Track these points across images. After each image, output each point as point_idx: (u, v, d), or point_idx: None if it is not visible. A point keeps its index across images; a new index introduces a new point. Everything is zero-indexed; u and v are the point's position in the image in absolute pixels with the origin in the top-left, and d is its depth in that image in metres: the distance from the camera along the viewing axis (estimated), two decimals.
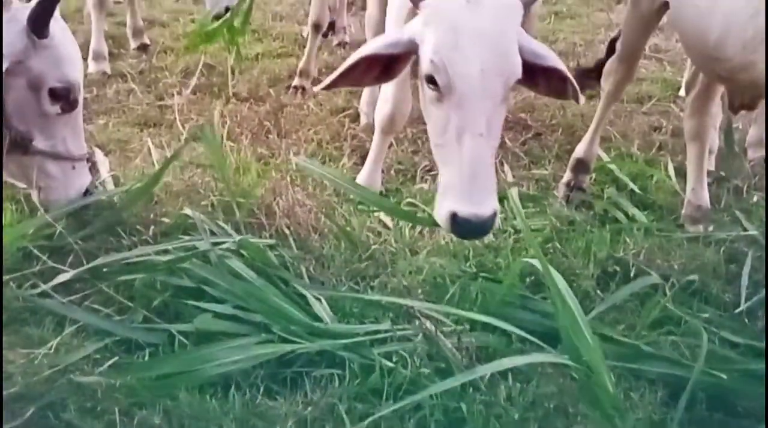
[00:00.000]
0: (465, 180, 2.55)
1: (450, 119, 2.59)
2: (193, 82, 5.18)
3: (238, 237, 3.06)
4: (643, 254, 3.38)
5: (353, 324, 2.81)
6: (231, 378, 2.60)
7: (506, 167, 4.28)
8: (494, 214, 2.56)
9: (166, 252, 3.03)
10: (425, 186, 4.09)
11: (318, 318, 2.78)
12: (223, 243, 3.02)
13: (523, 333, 2.65)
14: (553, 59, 2.75)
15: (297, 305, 2.82)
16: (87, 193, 3.25)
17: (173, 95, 5.04)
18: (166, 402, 2.50)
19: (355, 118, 4.87)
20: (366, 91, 4.85)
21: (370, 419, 2.41)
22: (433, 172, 4.25)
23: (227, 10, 4.77)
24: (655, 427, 2.52)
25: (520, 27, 2.67)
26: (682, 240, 3.66)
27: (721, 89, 3.66)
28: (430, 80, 2.61)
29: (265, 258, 3.01)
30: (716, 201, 4.07)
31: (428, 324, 2.75)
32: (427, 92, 2.66)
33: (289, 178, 3.54)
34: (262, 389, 2.59)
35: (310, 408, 2.50)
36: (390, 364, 2.65)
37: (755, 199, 4.18)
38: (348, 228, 3.40)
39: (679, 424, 2.52)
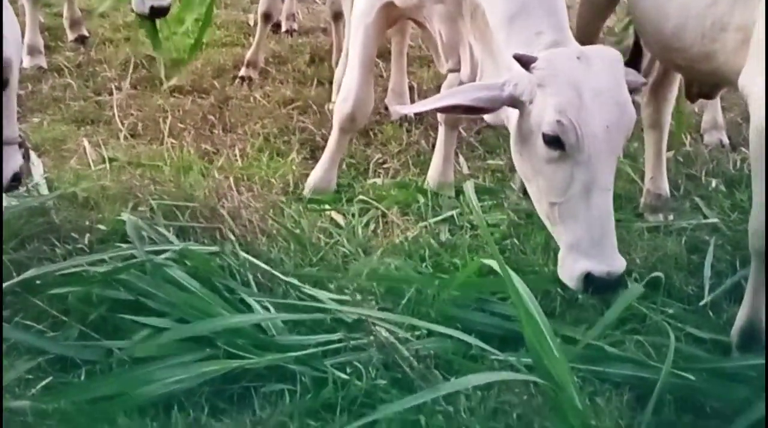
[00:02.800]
0: (596, 237, 2.57)
1: (574, 177, 2.59)
2: (129, 76, 4.94)
3: (179, 245, 2.88)
4: None
5: (304, 335, 2.66)
6: (173, 398, 2.43)
7: (461, 159, 4.15)
8: (624, 271, 2.59)
9: (102, 262, 2.84)
10: (378, 180, 3.94)
11: (266, 330, 2.62)
12: (163, 251, 2.84)
13: (481, 344, 2.52)
14: (639, 79, 2.89)
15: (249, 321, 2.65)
16: (16, 178, 2.96)
17: (112, 89, 4.80)
18: None
19: (304, 109, 4.69)
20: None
21: None
22: (386, 166, 4.12)
23: (152, 10, 4.45)
24: None
25: None
26: (642, 230, 3.57)
27: (679, 76, 3.56)
28: (553, 141, 2.57)
29: (208, 266, 2.83)
30: (675, 188, 3.99)
31: (384, 332, 2.60)
32: (540, 152, 2.63)
33: (233, 178, 3.36)
34: (207, 409, 2.42)
35: None
36: (344, 376, 2.51)
37: (714, 184, 4.11)
38: (297, 230, 3.23)
39: None
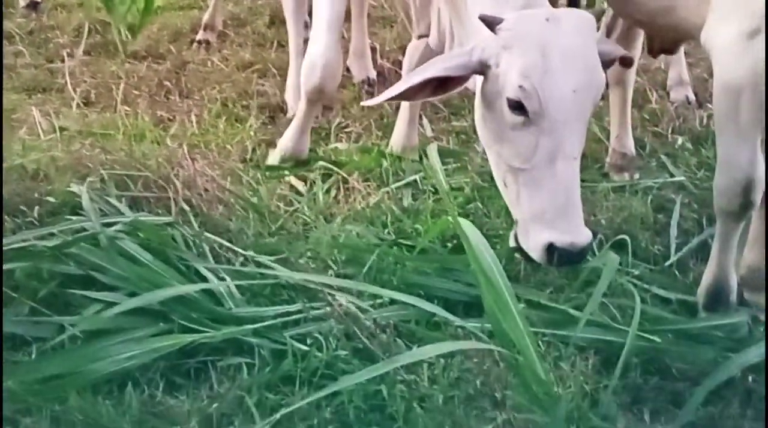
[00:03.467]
0: (559, 207, 2.45)
1: (539, 144, 2.46)
2: (83, 42, 4.78)
3: (130, 217, 2.78)
4: None
5: (263, 306, 2.58)
6: (127, 375, 2.36)
7: (425, 121, 4.06)
8: (590, 242, 2.49)
9: (51, 235, 2.74)
10: (340, 145, 3.84)
11: (222, 302, 2.54)
12: (115, 223, 2.74)
13: (443, 312, 2.46)
14: (616, 51, 2.80)
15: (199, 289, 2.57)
16: None
17: (64, 57, 4.65)
18: (54, 407, 2.25)
19: (264, 73, 4.58)
20: (291, 74, 4.30)
21: (283, 412, 2.19)
22: (348, 130, 4.03)
23: None
24: (587, 399, 2.36)
25: None
26: (608, 190, 3.53)
27: (642, 32, 3.49)
28: (517, 106, 2.45)
29: (162, 238, 2.74)
30: (641, 146, 3.95)
31: (344, 301, 2.53)
32: (506, 117, 2.51)
33: (187, 146, 3.25)
34: (162, 385, 2.35)
35: (216, 404, 2.27)
36: (304, 348, 2.44)
37: (680, 142, 4.08)
38: (255, 199, 3.14)
39: (614, 393, 2.38)
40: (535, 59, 2.43)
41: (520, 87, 2.43)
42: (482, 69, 2.56)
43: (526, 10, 2.60)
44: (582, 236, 2.45)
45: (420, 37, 3.49)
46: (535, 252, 2.47)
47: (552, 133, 2.44)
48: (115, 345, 2.39)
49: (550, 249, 2.43)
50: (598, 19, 2.63)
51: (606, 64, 2.69)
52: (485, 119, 2.61)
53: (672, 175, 3.71)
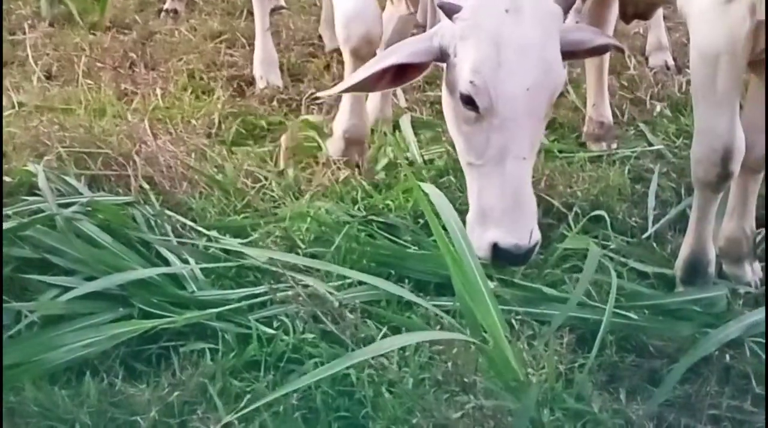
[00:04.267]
0: (507, 207, 2.39)
1: (490, 141, 2.38)
2: (48, 13, 4.62)
3: (87, 196, 2.67)
4: (544, 181, 3.15)
5: (228, 289, 2.50)
6: (85, 363, 2.27)
7: (399, 91, 3.95)
8: (536, 244, 2.43)
9: (7, 217, 2.63)
10: (310, 117, 3.72)
11: (185, 286, 2.45)
12: (72, 203, 2.63)
13: (411, 296, 2.38)
14: (596, 39, 2.68)
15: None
16: None
17: (26, 28, 4.50)
18: (9, 398, 2.16)
19: (233, 43, 4.45)
20: (258, 46, 4.12)
21: (250, 405, 2.10)
22: (319, 101, 3.91)
23: None
24: (562, 379, 2.30)
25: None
26: (584, 160, 3.45)
27: None
28: (468, 101, 2.36)
29: (121, 218, 2.64)
30: (618, 114, 3.86)
31: (311, 283, 2.45)
32: (461, 111, 2.42)
33: (148, 121, 3.14)
34: (121, 373, 2.26)
35: (177, 392, 2.19)
36: (270, 331, 2.37)
37: (658, 109, 4.00)
38: (220, 176, 3.03)
39: (589, 372, 2.32)
40: (488, 53, 2.34)
41: (471, 82, 2.34)
42: (443, 56, 2.47)
43: None
44: (527, 238, 2.38)
45: (411, 14, 3.37)
46: (480, 250, 2.39)
47: (502, 131, 2.36)
48: (73, 332, 2.29)
49: (495, 249, 2.37)
50: (566, 11, 2.48)
51: (584, 53, 2.63)
52: (448, 106, 2.53)
53: (650, 144, 3.65)
